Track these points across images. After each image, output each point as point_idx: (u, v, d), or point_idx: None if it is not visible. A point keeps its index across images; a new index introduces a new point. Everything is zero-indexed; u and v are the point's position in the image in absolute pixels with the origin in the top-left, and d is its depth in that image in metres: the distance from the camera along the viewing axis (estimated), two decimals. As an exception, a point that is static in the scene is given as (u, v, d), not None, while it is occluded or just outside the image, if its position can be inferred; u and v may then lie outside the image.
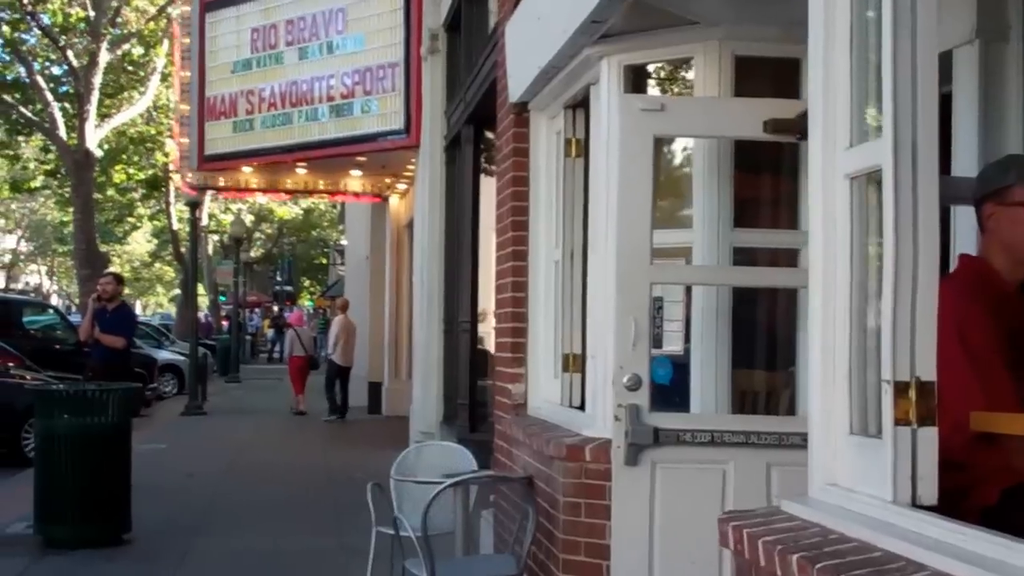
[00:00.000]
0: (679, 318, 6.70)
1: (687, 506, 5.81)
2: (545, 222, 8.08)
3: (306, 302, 72.38)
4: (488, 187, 14.12)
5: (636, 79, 6.78)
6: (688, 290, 6.57)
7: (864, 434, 3.63)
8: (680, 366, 6.57)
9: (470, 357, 13.66)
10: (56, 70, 35.67)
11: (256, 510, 12.33)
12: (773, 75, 6.62)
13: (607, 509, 6.10)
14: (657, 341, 6.38)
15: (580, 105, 7.61)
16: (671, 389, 6.46)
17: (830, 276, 3.71)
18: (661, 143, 6.57)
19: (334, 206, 48.44)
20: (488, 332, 14.39)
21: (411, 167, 18.89)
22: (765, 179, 6.71)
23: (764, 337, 6.76)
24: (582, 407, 7.43)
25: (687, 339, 6.53)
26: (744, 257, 6.40)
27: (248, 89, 19.12)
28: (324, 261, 64.73)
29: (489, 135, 13.96)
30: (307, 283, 77.33)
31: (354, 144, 17.78)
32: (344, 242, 43.29)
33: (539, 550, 6.90)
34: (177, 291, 58.31)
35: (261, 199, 48.68)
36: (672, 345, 6.70)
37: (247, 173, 21.05)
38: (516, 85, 8.10)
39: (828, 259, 3.71)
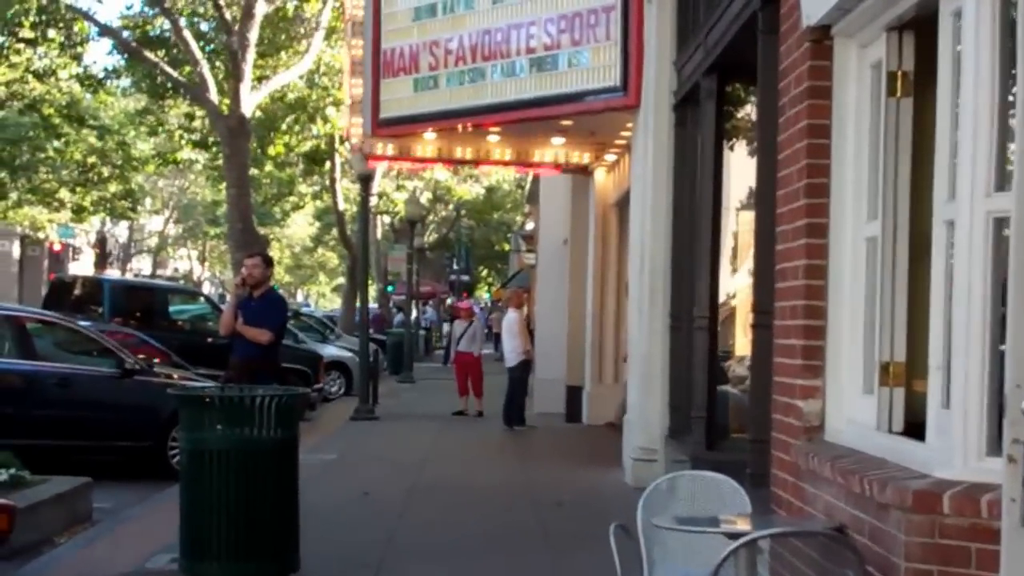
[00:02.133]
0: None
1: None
2: (854, 186, 6.81)
3: (483, 293, 71.79)
4: (730, 154, 13.01)
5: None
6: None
7: None
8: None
9: (708, 360, 12.47)
10: (204, 26, 35.33)
11: (449, 542, 11.25)
12: None
13: (973, 582, 4.89)
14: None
15: (908, 27, 6.34)
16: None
17: None
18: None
19: (519, 185, 47.53)
20: (726, 329, 13.25)
21: (626, 133, 17.77)
22: None
23: None
24: (907, 433, 6.18)
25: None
26: None
27: (432, 40, 18.20)
28: (505, 247, 63.89)
29: (737, 88, 12.88)
30: (484, 272, 76.60)
31: (559, 104, 16.72)
32: (530, 226, 42.36)
33: (861, 630, 5.66)
34: (341, 279, 58.13)
35: (440, 175, 47.95)
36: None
37: (428, 140, 20.08)
38: (815, 4, 6.84)
39: None
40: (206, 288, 74.50)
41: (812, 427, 6.88)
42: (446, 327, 55.84)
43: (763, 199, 9.67)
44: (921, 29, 6.26)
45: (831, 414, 6.87)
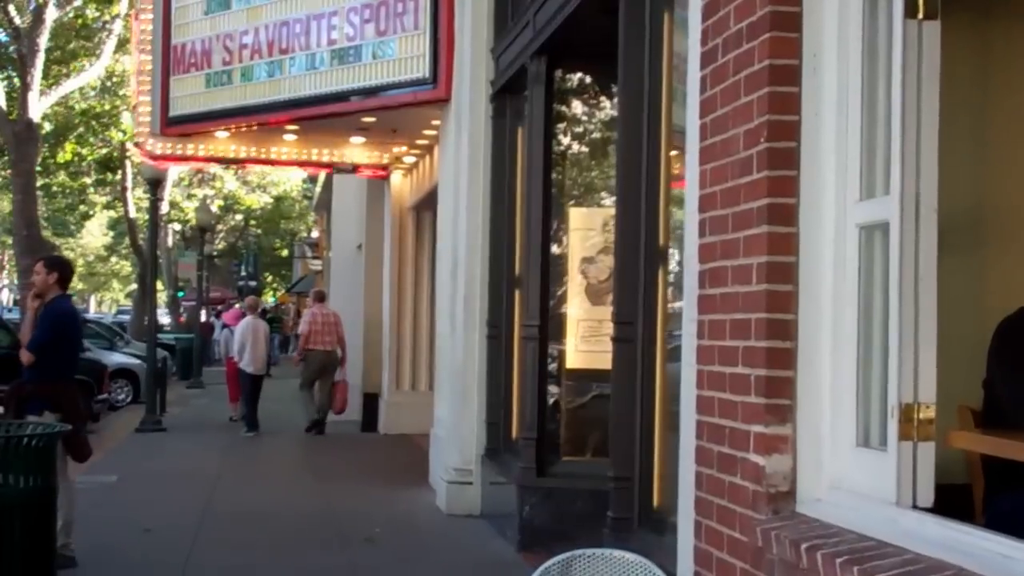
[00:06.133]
0: None
1: None
2: (837, 152, 4.30)
3: (269, 299, 68.48)
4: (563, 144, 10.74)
5: None
6: None
7: None
8: None
9: (538, 374, 10.00)
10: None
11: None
12: None
13: None
14: None
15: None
16: None
17: None
18: None
19: (307, 196, 44.57)
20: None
21: (430, 131, 15.21)
22: None
23: None
24: (932, 510, 3.75)
25: None
26: None
27: (225, 34, 15.57)
28: (285, 254, 60.93)
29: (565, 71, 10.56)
30: (270, 279, 73.20)
31: (362, 98, 14.05)
32: (315, 233, 39.53)
33: None
34: (133, 286, 54.32)
35: (230, 185, 44.82)
36: None
37: (222, 140, 17.09)
38: None
39: None
40: (4, 295, 69.60)
41: (779, 493, 4.32)
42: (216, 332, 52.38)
43: (628, 187, 7.27)
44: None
45: (804, 475, 4.32)
